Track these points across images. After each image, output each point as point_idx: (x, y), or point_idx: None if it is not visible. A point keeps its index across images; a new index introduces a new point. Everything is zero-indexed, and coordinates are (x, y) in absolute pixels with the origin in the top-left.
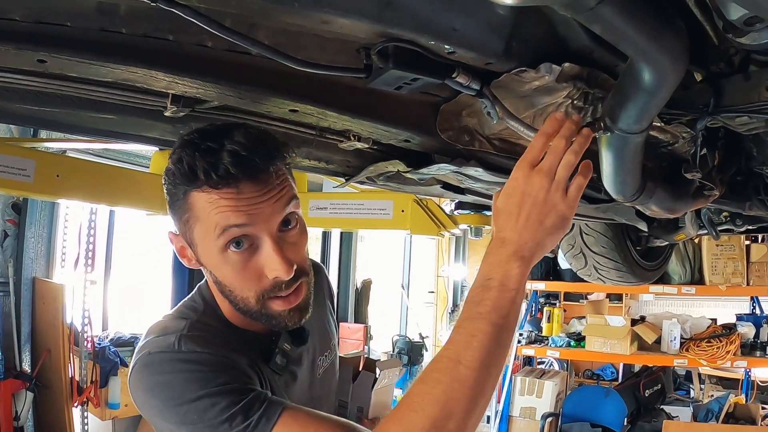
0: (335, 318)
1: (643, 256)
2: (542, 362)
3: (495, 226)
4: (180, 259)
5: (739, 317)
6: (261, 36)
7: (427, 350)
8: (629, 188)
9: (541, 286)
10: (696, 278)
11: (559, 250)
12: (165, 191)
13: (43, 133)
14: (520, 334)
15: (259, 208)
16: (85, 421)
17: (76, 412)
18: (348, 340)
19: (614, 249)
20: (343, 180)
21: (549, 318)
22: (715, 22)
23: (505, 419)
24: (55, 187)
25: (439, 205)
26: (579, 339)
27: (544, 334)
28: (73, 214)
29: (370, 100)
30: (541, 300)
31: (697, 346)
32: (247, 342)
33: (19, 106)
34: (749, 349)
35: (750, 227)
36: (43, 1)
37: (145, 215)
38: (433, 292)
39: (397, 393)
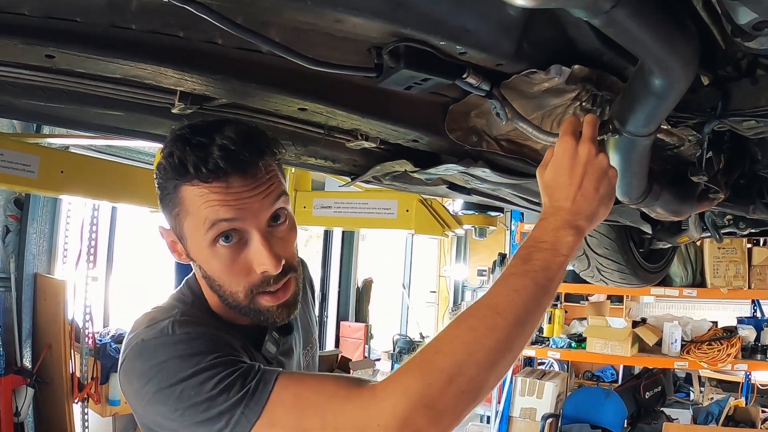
0: (315, 312)
1: (645, 258)
2: (542, 363)
3: (548, 197)
4: (171, 254)
5: (740, 320)
6: (272, 34)
7: None
8: (635, 191)
9: None
10: (697, 281)
11: None
12: (156, 185)
13: (45, 129)
14: None
15: (248, 203)
16: (86, 417)
17: (76, 408)
18: (349, 339)
19: (617, 251)
20: (348, 179)
21: (550, 319)
22: (722, 26)
23: (506, 420)
24: (59, 183)
25: (443, 205)
26: (580, 340)
27: (545, 335)
28: (75, 210)
29: (379, 99)
30: None
31: (698, 349)
32: (236, 332)
33: (26, 102)
34: (750, 352)
35: (753, 230)
36: None
37: (149, 212)
38: (434, 291)
39: None
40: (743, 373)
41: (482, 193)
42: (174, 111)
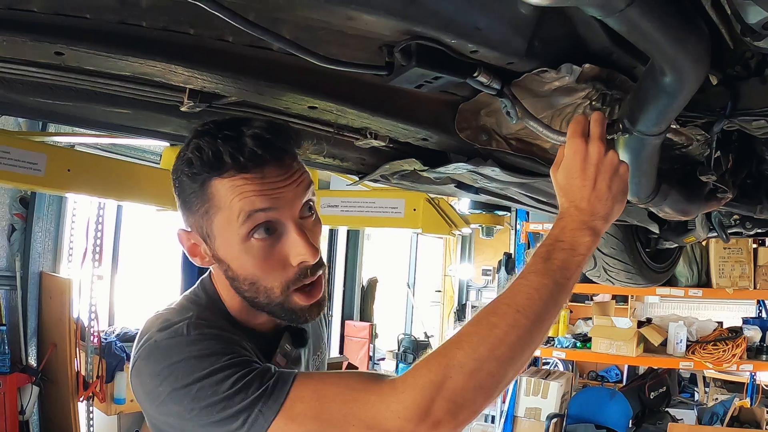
0: (330, 315)
1: (652, 258)
2: (547, 363)
3: (564, 197)
4: (191, 259)
5: (746, 321)
6: (284, 31)
7: (432, 349)
8: (644, 190)
9: None
10: (703, 281)
11: None
12: (177, 185)
13: (51, 127)
14: None
15: (283, 192)
16: (91, 416)
17: (81, 406)
18: (353, 338)
19: (624, 251)
20: (356, 178)
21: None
22: (731, 25)
23: (510, 419)
24: (66, 182)
25: (450, 204)
26: (585, 340)
27: (550, 334)
28: (81, 209)
29: (389, 97)
30: None
31: (703, 349)
32: (250, 339)
33: (33, 99)
34: (755, 352)
35: (759, 230)
36: None
37: (156, 211)
38: (440, 291)
39: None
40: (748, 373)
41: (490, 192)
42: (183, 109)
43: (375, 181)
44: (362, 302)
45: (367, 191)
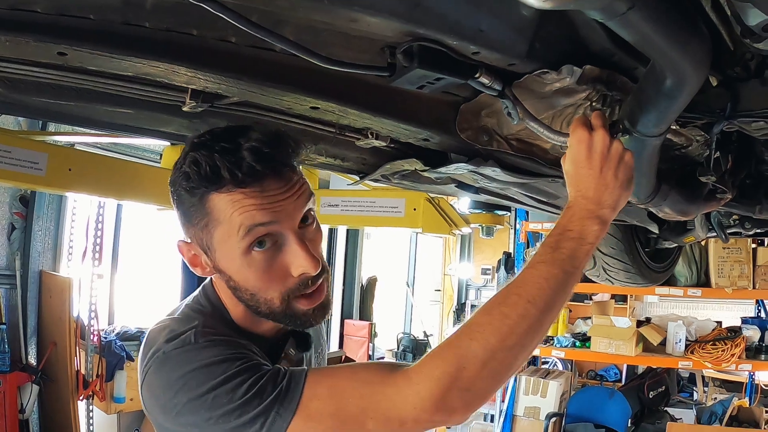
0: None
1: (651, 257)
2: (546, 362)
3: (572, 187)
4: (191, 269)
5: (745, 320)
6: (286, 32)
7: (431, 348)
8: (644, 190)
9: None
10: (702, 281)
11: None
12: (175, 198)
13: (51, 126)
14: None
15: (283, 205)
16: (90, 414)
17: (81, 405)
18: (353, 337)
19: (623, 250)
20: (357, 177)
21: None
22: (731, 27)
23: (509, 418)
24: (67, 181)
25: (450, 204)
26: (584, 339)
27: (549, 333)
28: (81, 208)
29: (391, 98)
30: None
31: (702, 349)
32: (255, 344)
33: (35, 99)
34: (754, 352)
35: (759, 230)
36: None
37: (156, 210)
38: (439, 290)
39: None
40: (747, 373)
41: (491, 192)
42: (185, 109)
43: (375, 180)
44: (361, 301)
45: (368, 191)
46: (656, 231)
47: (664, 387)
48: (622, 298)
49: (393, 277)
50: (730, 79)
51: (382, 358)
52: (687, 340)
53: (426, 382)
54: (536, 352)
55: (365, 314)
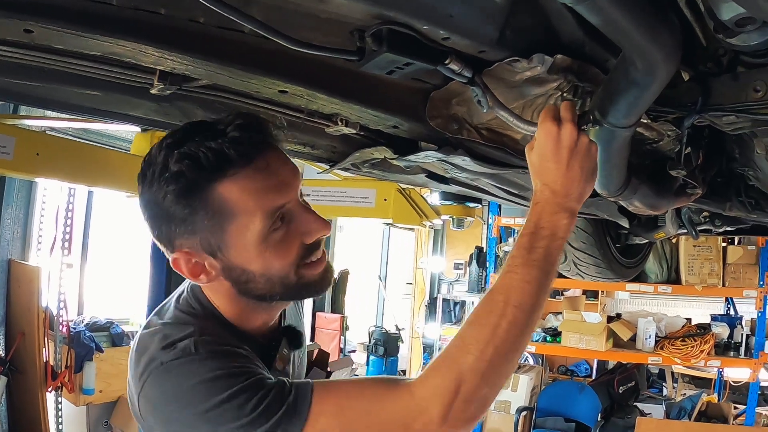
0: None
1: (622, 253)
2: None
3: (538, 180)
4: (193, 280)
5: (714, 318)
6: (255, 12)
7: (402, 342)
8: (614, 183)
9: None
10: (672, 278)
11: None
12: (159, 212)
13: (22, 110)
14: None
15: (288, 179)
16: (59, 406)
17: (50, 397)
18: (324, 330)
19: (594, 245)
20: (326, 166)
21: None
22: (704, 22)
23: None
24: (34, 166)
25: (422, 195)
26: (555, 334)
27: None
28: (51, 196)
29: (360, 84)
30: None
31: (672, 345)
32: (250, 345)
33: (2, 79)
34: (723, 349)
35: (729, 228)
36: None
37: (126, 197)
38: (411, 283)
39: None
40: (716, 369)
41: (461, 183)
42: (153, 91)
43: (346, 169)
44: (333, 294)
45: (339, 181)
46: (627, 225)
47: (633, 382)
48: (593, 294)
49: (365, 270)
50: (702, 74)
51: (354, 351)
52: (657, 336)
53: (430, 399)
54: None
55: (337, 307)
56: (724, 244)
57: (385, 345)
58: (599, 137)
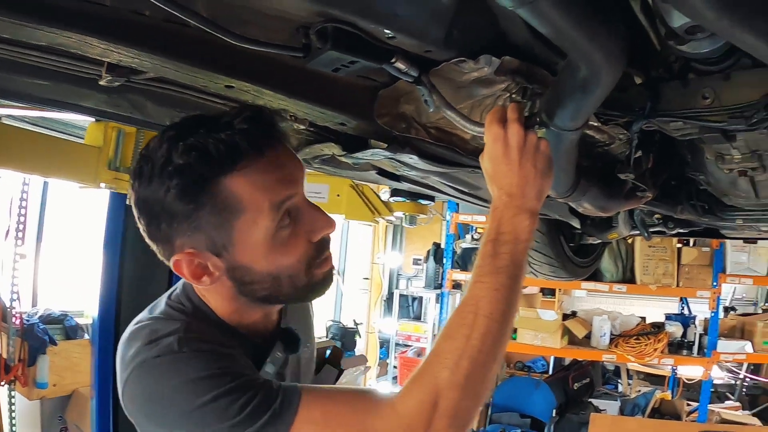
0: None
1: (575, 252)
2: None
3: (494, 186)
4: (195, 283)
5: (668, 317)
6: (200, 8)
7: (360, 336)
8: (563, 184)
9: None
10: (627, 277)
11: None
12: (160, 212)
13: None
14: None
15: (294, 173)
16: (12, 401)
17: (2, 391)
18: None
19: (547, 244)
20: None
21: None
22: (658, 28)
23: None
24: None
25: (375, 192)
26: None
27: None
28: (4, 185)
29: (307, 80)
30: None
31: (626, 343)
32: (242, 345)
33: None
34: (676, 347)
35: (681, 230)
36: None
37: (78, 188)
38: (368, 278)
39: None
40: (670, 367)
41: (412, 181)
42: (102, 83)
43: None
44: None
45: None
46: (578, 226)
47: (588, 379)
48: (550, 292)
49: None
50: (653, 79)
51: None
52: (612, 334)
53: (413, 416)
54: None
55: None
56: (679, 246)
57: (343, 339)
58: (547, 139)
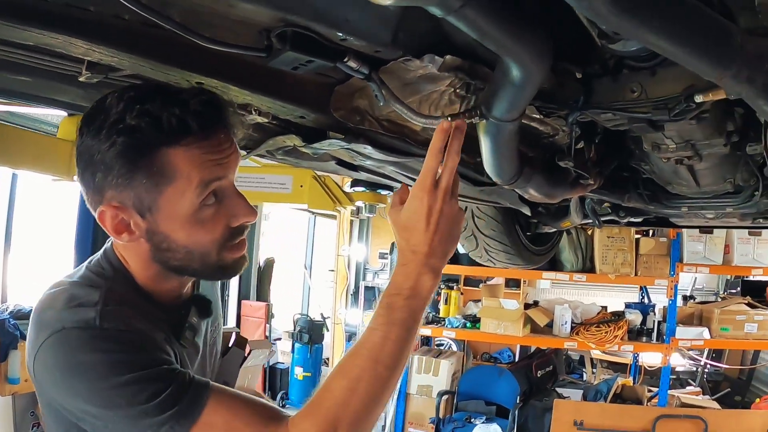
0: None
1: (532, 241)
2: (441, 344)
3: (403, 240)
4: (114, 237)
5: (628, 305)
6: (174, 13)
7: (328, 329)
8: (506, 172)
9: None
10: (587, 267)
11: None
12: (105, 157)
13: None
14: None
15: (231, 158)
16: None
17: None
18: (250, 317)
19: (503, 233)
20: (244, 153)
21: (446, 300)
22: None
23: (403, 396)
24: None
25: (337, 183)
26: (474, 321)
27: (441, 315)
28: None
29: (270, 78)
30: (441, 284)
31: (587, 331)
32: (159, 312)
33: None
34: (636, 334)
35: (633, 219)
36: None
37: (51, 180)
38: (333, 270)
39: None
40: (631, 354)
41: (369, 171)
42: (81, 79)
43: (261, 156)
44: (259, 282)
45: (258, 167)
46: (528, 213)
47: (551, 367)
48: (515, 283)
49: (291, 258)
50: (588, 75)
51: (279, 339)
52: (573, 322)
53: None
54: (428, 333)
55: (262, 295)
56: (637, 236)
57: (310, 333)
58: (487, 131)
